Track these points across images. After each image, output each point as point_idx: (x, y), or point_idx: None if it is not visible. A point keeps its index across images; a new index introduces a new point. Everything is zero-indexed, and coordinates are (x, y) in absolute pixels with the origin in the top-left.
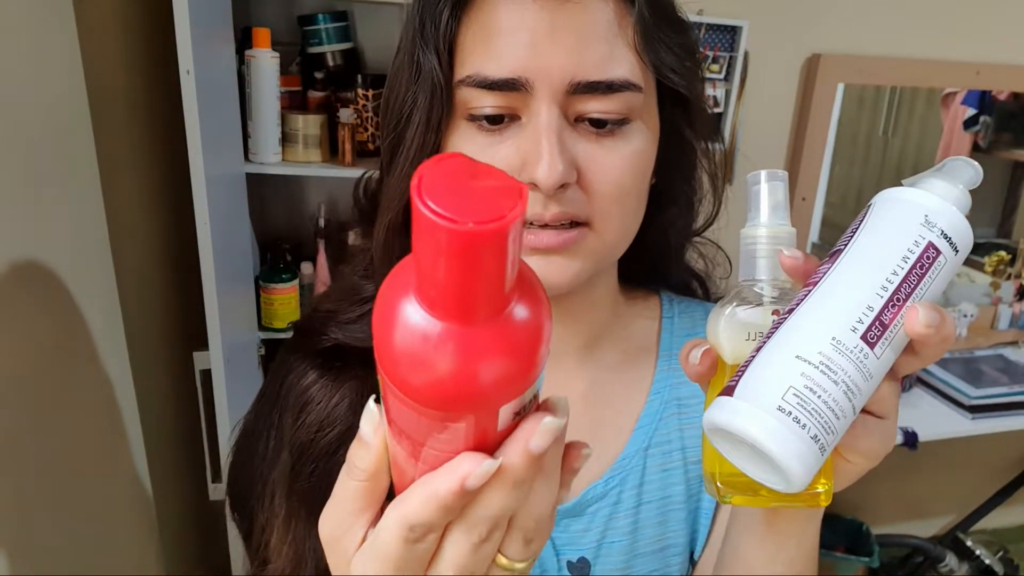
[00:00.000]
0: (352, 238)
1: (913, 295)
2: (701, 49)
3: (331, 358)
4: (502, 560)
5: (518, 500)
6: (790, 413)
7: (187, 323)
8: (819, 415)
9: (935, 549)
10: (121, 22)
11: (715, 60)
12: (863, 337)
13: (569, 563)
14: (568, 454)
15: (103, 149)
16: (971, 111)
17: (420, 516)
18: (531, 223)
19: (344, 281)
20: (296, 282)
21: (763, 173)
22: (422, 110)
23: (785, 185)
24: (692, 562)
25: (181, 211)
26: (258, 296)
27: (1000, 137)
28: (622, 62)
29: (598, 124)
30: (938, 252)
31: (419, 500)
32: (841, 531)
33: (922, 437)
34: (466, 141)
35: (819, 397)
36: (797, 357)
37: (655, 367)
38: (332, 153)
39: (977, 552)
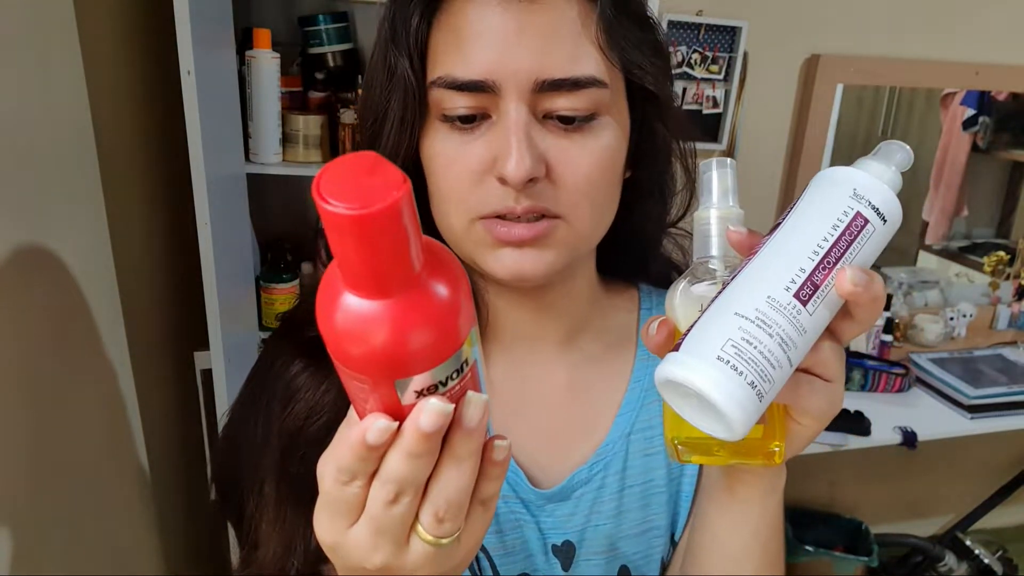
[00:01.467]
0: None
1: (843, 259)
2: (699, 49)
3: (317, 348)
4: (419, 529)
5: (418, 470)
6: (728, 362)
7: (188, 323)
8: (755, 364)
9: (934, 548)
10: (122, 23)
11: (715, 60)
12: (796, 295)
13: (554, 546)
14: (486, 446)
15: (104, 149)
16: (970, 111)
17: (341, 460)
18: (503, 217)
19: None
20: (296, 282)
21: (713, 161)
22: (396, 111)
23: (734, 172)
24: (673, 543)
25: (182, 211)
26: (259, 296)
27: (999, 137)
28: (587, 60)
29: (566, 120)
30: (866, 221)
31: (342, 445)
32: (840, 530)
33: (921, 437)
34: (441, 140)
35: (755, 348)
36: (736, 314)
37: (635, 356)
38: (333, 153)
39: (976, 551)
